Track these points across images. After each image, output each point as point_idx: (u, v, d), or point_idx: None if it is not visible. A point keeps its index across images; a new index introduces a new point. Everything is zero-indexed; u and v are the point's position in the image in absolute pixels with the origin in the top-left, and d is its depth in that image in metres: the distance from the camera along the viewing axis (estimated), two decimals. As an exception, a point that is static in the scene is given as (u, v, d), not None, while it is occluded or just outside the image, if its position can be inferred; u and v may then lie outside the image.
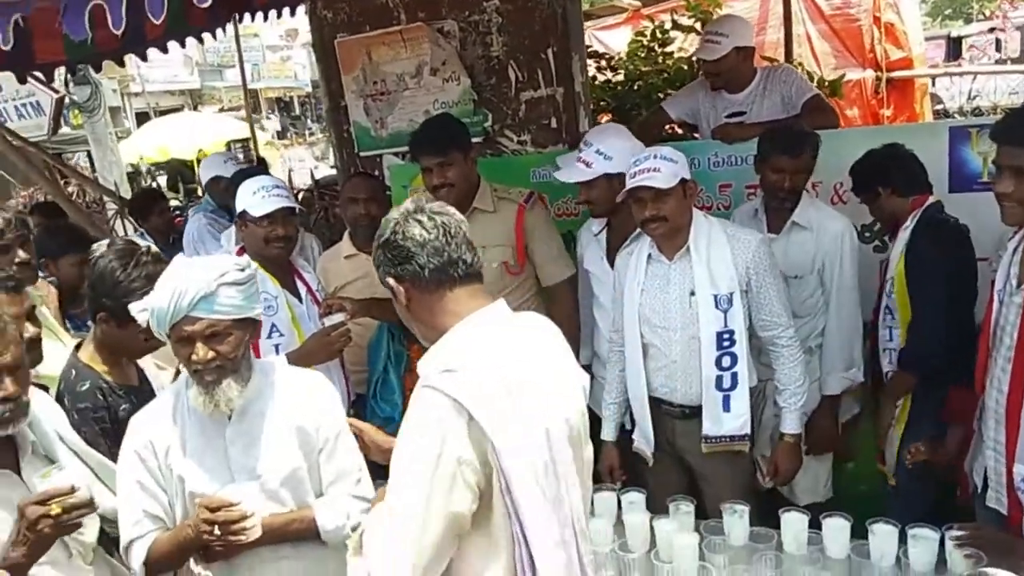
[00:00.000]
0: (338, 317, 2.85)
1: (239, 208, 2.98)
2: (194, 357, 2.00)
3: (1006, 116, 2.39)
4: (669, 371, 2.76)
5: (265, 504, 2.09)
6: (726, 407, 2.69)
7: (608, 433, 2.95)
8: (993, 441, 2.26)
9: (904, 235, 2.91)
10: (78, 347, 2.50)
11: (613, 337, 2.94)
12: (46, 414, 2.14)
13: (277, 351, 2.86)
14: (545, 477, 1.60)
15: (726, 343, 2.65)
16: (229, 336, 2.03)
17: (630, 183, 2.63)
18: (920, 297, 2.85)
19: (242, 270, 2.05)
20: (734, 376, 2.67)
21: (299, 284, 3.09)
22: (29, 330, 2.34)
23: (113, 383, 2.42)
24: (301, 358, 2.69)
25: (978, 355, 2.34)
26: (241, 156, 11.41)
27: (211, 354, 2.00)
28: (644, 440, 2.85)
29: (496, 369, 1.61)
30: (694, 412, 2.75)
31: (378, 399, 3.35)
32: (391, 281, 1.73)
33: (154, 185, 11.12)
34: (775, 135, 3.11)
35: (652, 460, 2.86)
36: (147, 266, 2.39)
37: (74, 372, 2.39)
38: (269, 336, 2.91)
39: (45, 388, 2.35)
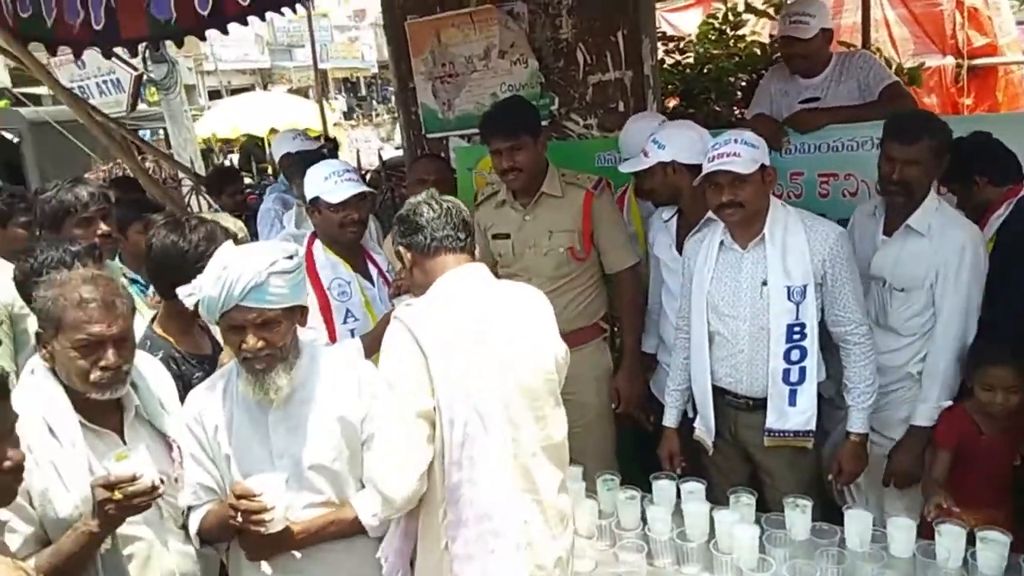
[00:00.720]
0: (407, 299, 2.87)
1: (310, 194, 2.98)
2: (245, 346, 2.03)
3: None
4: (735, 361, 2.72)
5: (300, 493, 2.09)
6: (792, 401, 2.64)
7: (670, 420, 2.93)
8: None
9: (996, 223, 2.84)
10: (153, 319, 2.59)
11: (679, 324, 2.91)
12: (154, 381, 2.22)
13: (353, 335, 2.89)
14: (468, 400, 1.92)
15: (796, 336, 2.60)
16: (279, 325, 2.05)
17: (708, 167, 2.59)
18: (1011, 281, 2.70)
19: (290, 258, 2.06)
20: (802, 370, 2.62)
21: (370, 267, 3.12)
22: None
23: (185, 352, 2.50)
24: (373, 341, 2.70)
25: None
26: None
27: (261, 343, 2.02)
28: (705, 429, 2.82)
29: (450, 307, 1.99)
30: (758, 404, 2.71)
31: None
32: (401, 249, 2.13)
33: (227, 163, 11.37)
34: (894, 118, 2.79)
35: (712, 449, 2.83)
36: (199, 229, 2.46)
37: (148, 343, 2.46)
38: (344, 322, 2.95)
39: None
